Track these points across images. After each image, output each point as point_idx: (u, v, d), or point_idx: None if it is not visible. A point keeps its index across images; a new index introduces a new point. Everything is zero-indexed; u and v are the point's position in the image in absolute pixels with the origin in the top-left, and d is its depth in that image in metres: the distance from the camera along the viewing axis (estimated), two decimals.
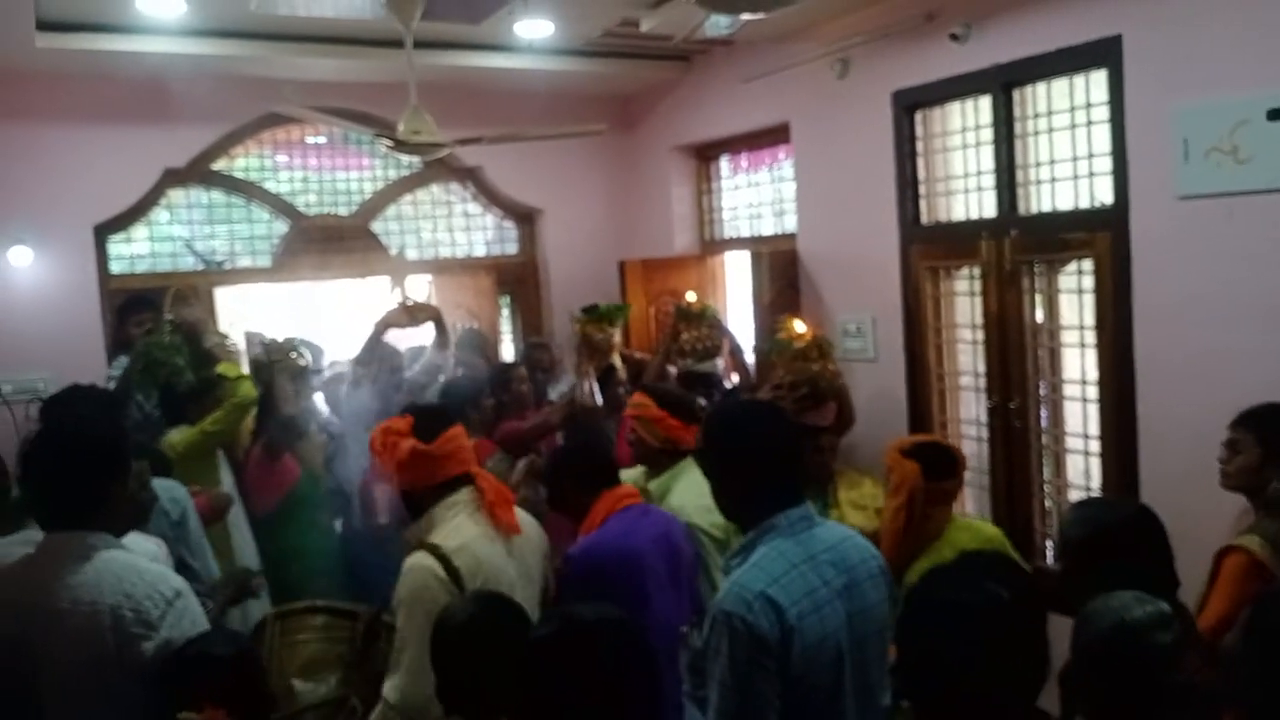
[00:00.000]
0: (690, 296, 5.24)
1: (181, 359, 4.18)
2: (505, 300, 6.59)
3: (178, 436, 4.06)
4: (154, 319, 4.52)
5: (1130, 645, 1.88)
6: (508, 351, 6.45)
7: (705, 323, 5.05)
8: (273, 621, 2.81)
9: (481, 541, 2.57)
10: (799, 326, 4.64)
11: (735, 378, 5.20)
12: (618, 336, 5.17)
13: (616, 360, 5.03)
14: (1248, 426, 2.89)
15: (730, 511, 2.35)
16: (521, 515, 2.80)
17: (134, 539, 2.63)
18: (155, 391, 4.19)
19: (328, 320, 7.15)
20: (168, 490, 3.48)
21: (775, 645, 2.02)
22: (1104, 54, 3.81)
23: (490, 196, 6.56)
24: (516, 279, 6.62)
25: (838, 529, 2.32)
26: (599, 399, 4.54)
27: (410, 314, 4.92)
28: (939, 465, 3.04)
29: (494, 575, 2.53)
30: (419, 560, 2.49)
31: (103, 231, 5.37)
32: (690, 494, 3.23)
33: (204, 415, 4.10)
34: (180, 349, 4.21)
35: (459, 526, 2.58)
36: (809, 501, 2.26)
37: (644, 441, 3.37)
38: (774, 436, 2.27)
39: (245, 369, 4.48)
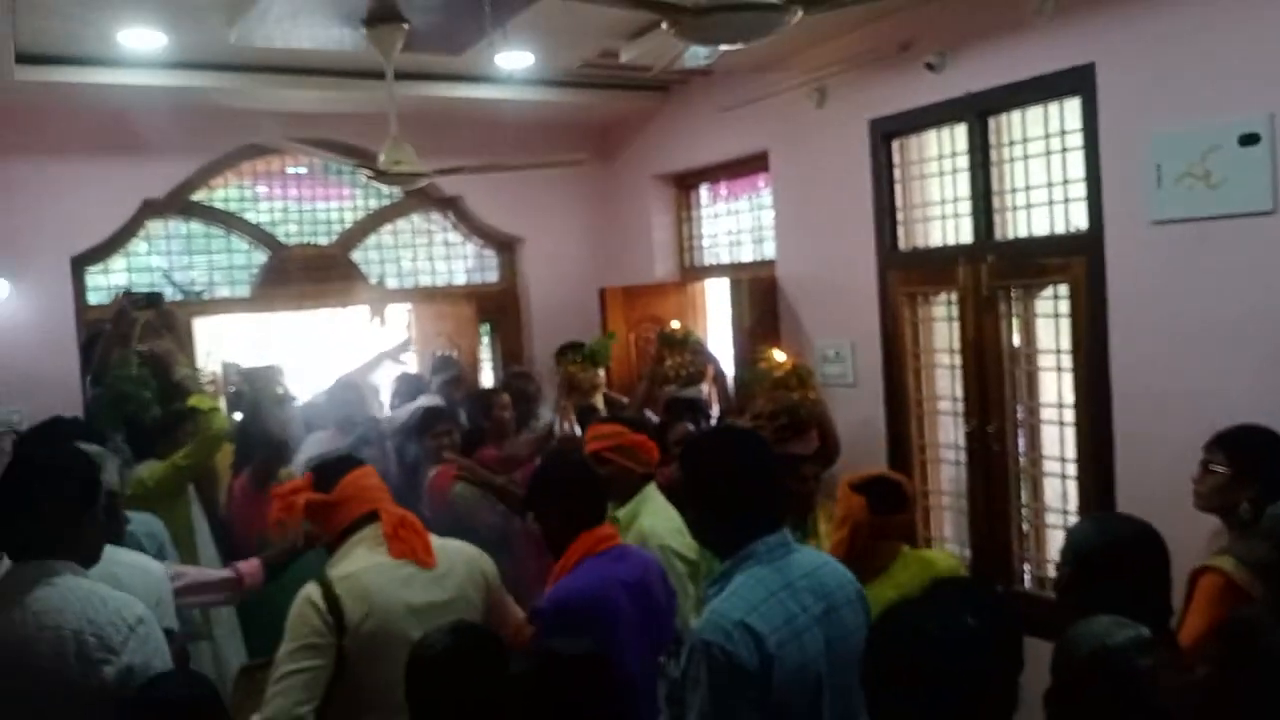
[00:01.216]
0: (674, 324, 5.26)
1: (149, 392, 4.09)
2: (485, 329, 6.59)
3: (147, 472, 3.93)
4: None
5: (1112, 669, 1.88)
6: (487, 380, 6.45)
7: (689, 349, 5.07)
8: (240, 676, 2.80)
9: (375, 571, 2.54)
10: (779, 356, 4.65)
11: (717, 404, 5.21)
12: (602, 375, 5.17)
13: (599, 400, 5.03)
14: (1221, 448, 2.92)
15: (708, 539, 2.33)
16: (448, 546, 2.75)
17: (132, 556, 2.64)
18: (122, 425, 4.11)
19: (308, 351, 7.11)
20: (145, 525, 3.42)
21: (755, 674, 2.00)
22: (1077, 82, 3.86)
23: (470, 225, 6.58)
24: (497, 307, 6.63)
25: (815, 555, 2.31)
26: (579, 434, 4.54)
27: None
28: (887, 499, 3.03)
29: (386, 604, 2.50)
30: (304, 590, 2.51)
31: (80, 263, 5.36)
32: (660, 517, 3.21)
33: (174, 449, 3.97)
34: (148, 382, 4.12)
35: (355, 557, 2.58)
36: (786, 528, 2.26)
37: (627, 470, 3.30)
38: (751, 464, 2.25)
39: (221, 401, 4.44)
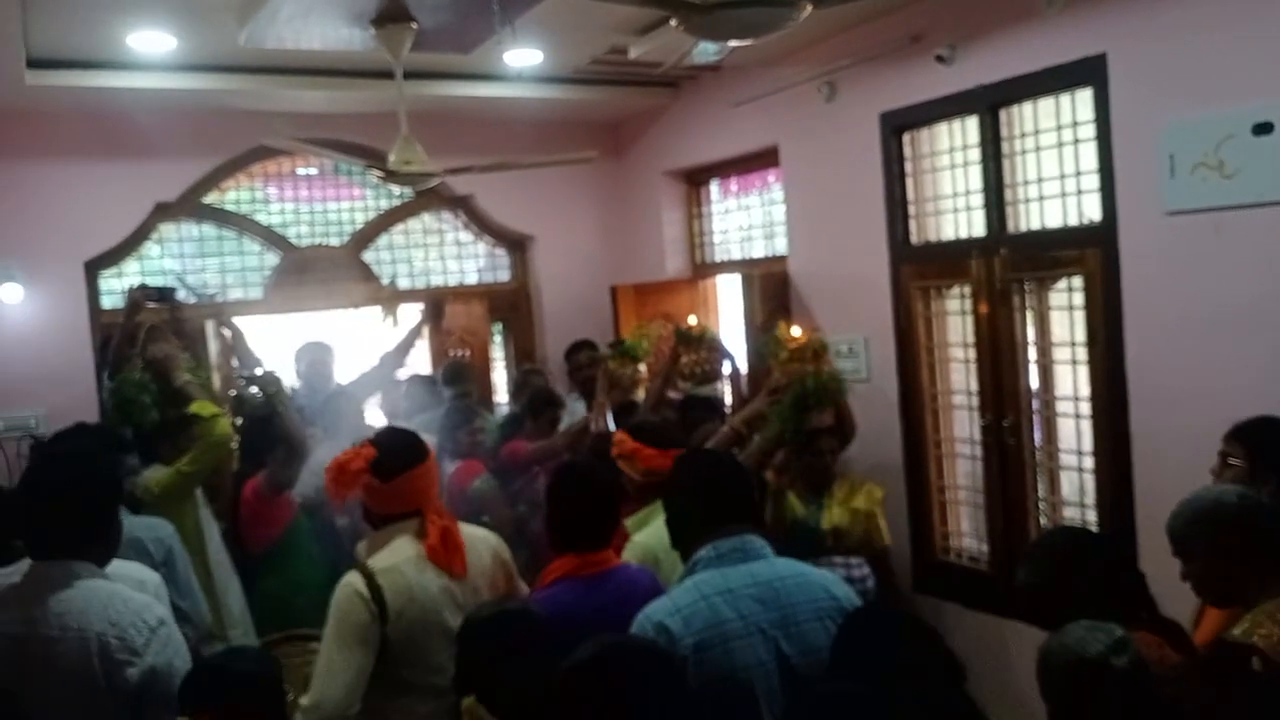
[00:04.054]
0: (691, 320, 5.22)
1: (149, 397, 4.10)
2: (498, 327, 6.59)
3: (154, 477, 3.92)
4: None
5: (1095, 679, 1.90)
6: (500, 379, 6.47)
7: (705, 346, 5.01)
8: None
9: (414, 564, 2.63)
10: (795, 330, 4.62)
11: (732, 401, 5.18)
12: (643, 371, 5.12)
13: (640, 396, 4.99)
14: (1238, 440, 2.90)
15: (674, 543, 2.47)
16: (473, 533, 2.83)
17: (125, 566, 2.64)
18: (130, 430, 4.09)
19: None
20: (152, 529, 3.44)
21: None
22: (1089, 73, 3.83)
23: (481, 224, 6.58)
24: (509, 306, 6.63)
25: (786, 566, 2.28)
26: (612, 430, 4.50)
27: None
28: None
29: (423, 598, 2.60)
30: (347, 578, 2.61)
31: (93, 267, 5.38)
32: (660, 533, 2.98)
33: (178, 455, 3.95)
34: (148, 387, 4.12)
35: (395, 547, 2.67)
36: (750, 535, 2.30)
37: (630, 479, 3.24)
38: (699, 473, 2.42)
39: (227, 405, 4.43)
